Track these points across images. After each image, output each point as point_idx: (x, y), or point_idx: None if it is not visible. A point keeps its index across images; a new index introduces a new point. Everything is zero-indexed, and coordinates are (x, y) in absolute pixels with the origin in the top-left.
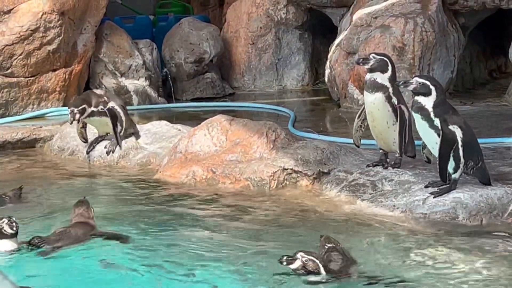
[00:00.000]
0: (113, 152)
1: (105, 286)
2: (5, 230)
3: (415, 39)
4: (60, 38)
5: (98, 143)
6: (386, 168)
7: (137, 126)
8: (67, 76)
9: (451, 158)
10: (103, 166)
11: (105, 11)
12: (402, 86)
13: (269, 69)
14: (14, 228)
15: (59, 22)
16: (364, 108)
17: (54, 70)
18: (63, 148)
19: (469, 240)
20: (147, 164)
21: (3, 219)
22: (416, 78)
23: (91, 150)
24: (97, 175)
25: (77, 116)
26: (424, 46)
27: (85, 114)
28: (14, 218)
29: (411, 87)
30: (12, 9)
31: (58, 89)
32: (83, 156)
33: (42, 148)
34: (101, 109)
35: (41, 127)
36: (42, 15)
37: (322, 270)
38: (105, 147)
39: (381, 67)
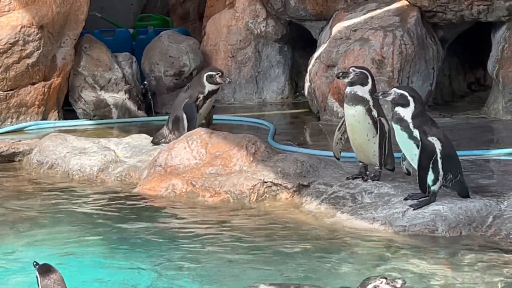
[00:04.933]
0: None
1: None
2: None
3: (394, 51)
4: (39, 51)
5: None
6: (366, 180)
7: (117, 139)
8: (46, 90)
9: (430, 170)
10: (82, 180)
11: (84, 24)
12: (381, 97)
13: (248, 82)
14: None
15: (38, 35)
16: (344, 120)
17: (33, 84)
18: (42, 162)
19: (448, 253)
20: (127, 177)
21: None
22: (395, 89)
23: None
24: (76, 188)
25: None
26: (403, 59)
27: None
28: None
29: (389, 98)
30: None
31: (37, 102)
32: (62, 169)
33: (21, 162)
34: None
35: (20, 141)
36: (21, 28)
37: None
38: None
39: (361, 80)
